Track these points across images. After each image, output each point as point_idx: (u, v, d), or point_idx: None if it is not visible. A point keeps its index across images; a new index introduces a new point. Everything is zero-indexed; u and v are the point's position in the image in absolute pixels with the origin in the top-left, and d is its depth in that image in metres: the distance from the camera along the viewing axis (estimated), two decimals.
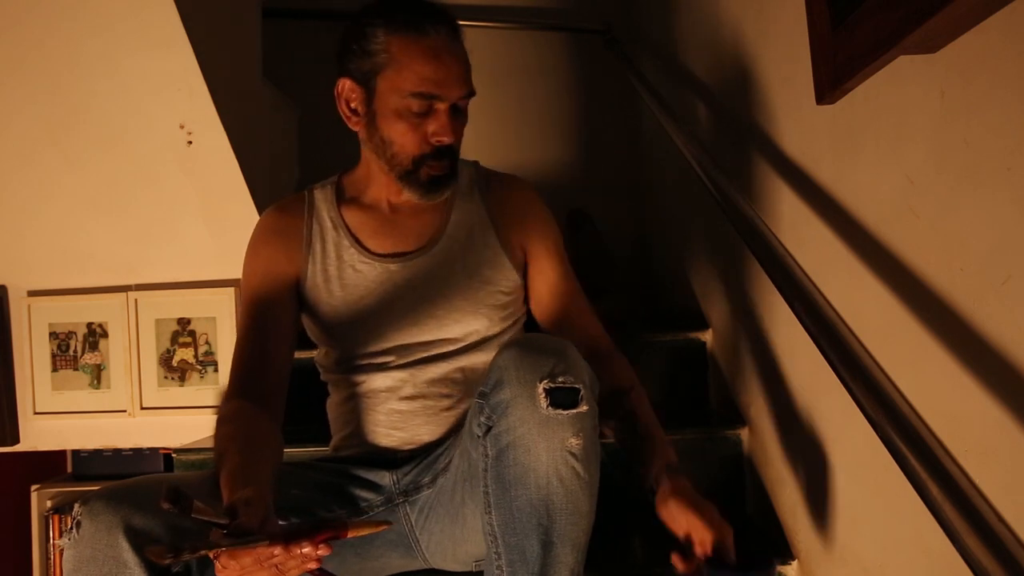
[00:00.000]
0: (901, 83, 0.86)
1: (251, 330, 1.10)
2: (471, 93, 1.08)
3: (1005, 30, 0.68)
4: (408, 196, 1.11)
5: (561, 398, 0.82)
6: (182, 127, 1.53)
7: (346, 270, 1.14)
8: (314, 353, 1.25)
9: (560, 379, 0.83)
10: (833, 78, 0.93)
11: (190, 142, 1.54)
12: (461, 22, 1.11)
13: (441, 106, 1.04)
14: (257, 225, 1.19)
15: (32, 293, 1.69)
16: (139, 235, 1.63)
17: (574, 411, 0.82)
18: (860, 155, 0.97)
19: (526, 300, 1.23)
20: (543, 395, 0.82)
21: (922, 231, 0.84)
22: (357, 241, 1.15)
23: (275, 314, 1.12)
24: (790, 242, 1.03)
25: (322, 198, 1.19)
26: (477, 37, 2.59)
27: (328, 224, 1.16)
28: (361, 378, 1.14)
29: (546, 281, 1.20)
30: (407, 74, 1.03)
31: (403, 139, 1.06)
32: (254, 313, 1.11)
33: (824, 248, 1.09)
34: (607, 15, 2.50)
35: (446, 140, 1.06)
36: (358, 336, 1.13)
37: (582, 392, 0.84)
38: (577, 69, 2.62)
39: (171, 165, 1.55)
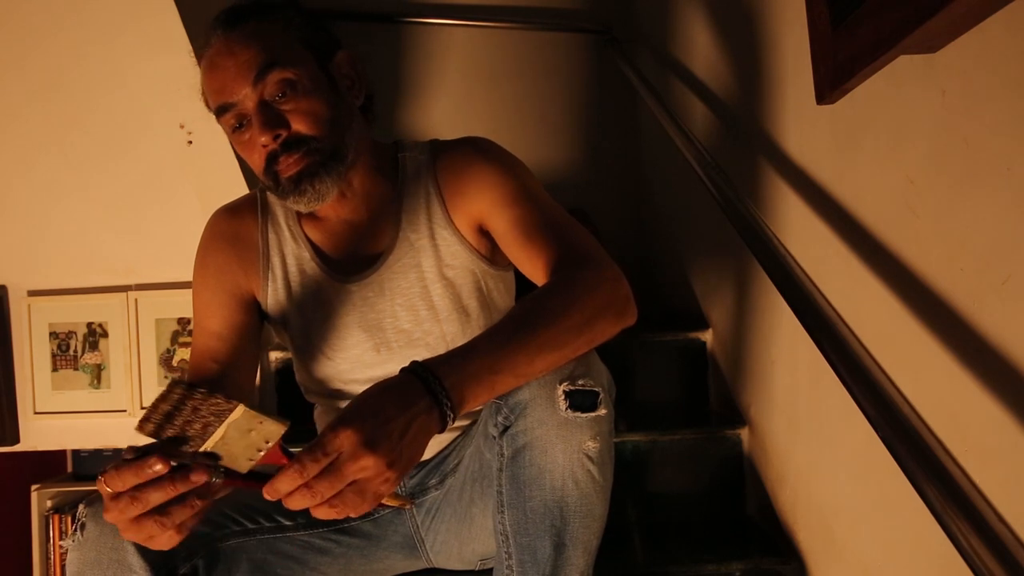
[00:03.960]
0: (901, 83, 0.86)
1: (204, 353, 1.00)
2: (264, 71, 0.91)
3: (1005, 30, 0.67)
4: (299, 204, 0.98)
5: (580, 401, 0.82)
6: (182, 127, 1.53)
7: (310, 289, 1.05)
8: None
9: (580, 382, 0.83)
10: (833, 78, 0.93)
11: (190, 142, 1.54)
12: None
13: (243, 111, 0.93)
14: (206, 229, 1.08)
15: (32, 293, 1.69)
16: (139, 235, 1.63)
17: (592, 414, 0.82)
18: (860, 155, 0.97)
19: (508, 266, 1.10)
20: (562, 397, 0.82)
21: (922, 231, 0.84)
22: (320, 256, 1.05)
23: (230, 331, 1.01)
24: (790, 242, 1.03)
25: (277, 201, 1.07)
26: (477, 37, 2.61)
27: (287, 234, 1.06)
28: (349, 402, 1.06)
29: (516, 257, 1.00)
30: (207, 96, 0.96)
31: (249, 160, 0.97)
32: (207, 331, 1.01)
33: (824, 248, 1.09)
34: (607, 15, 2.50)
35: (265, 144, 0.93)
36: (333, 360, 1.06)
37: (601, 396, 0.84)
38: (577, 69, 2.62)
39: (171, 165, 1.55)
